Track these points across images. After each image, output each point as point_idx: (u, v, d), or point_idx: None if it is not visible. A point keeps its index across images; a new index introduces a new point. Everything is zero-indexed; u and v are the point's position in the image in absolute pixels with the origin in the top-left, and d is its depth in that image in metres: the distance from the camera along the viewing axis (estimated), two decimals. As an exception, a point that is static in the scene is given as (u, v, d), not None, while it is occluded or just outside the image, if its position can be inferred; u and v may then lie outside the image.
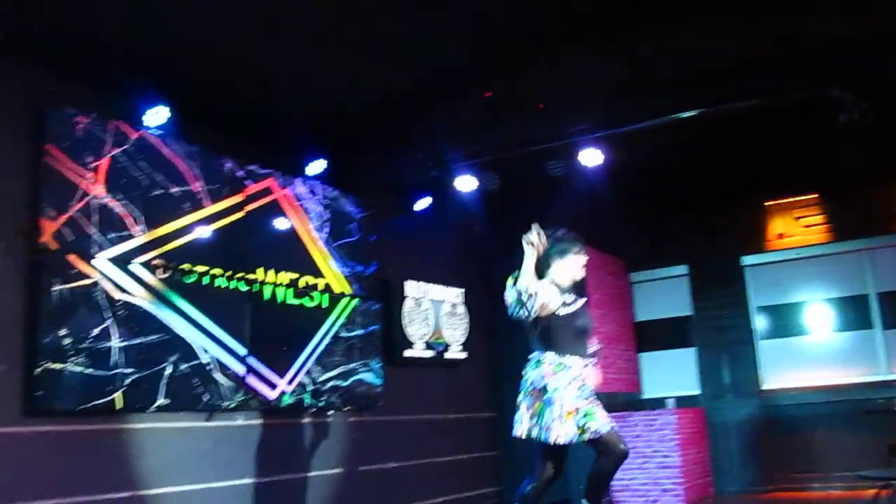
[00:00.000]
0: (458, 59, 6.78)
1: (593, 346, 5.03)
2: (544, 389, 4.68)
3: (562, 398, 4.61)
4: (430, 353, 8.68)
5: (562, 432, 4.59)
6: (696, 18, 6.50)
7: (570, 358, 4.73)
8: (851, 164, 7.34)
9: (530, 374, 4.80)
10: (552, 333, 4.76)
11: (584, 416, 4.61)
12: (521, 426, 4.80)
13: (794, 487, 9.07)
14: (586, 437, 4.60)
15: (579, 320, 4.83)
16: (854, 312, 9.36)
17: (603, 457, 4.72)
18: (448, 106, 7.34)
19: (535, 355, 4.84)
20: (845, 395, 8.96)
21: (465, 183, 7.97)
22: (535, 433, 4.70)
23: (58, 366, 5.18)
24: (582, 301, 4.95)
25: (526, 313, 4.66)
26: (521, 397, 4.85)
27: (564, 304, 4.79)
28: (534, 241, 4.71)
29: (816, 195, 9.58)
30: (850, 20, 6.37)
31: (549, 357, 4.74)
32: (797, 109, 7.48)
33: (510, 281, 4.76)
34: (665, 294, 10.36)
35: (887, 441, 7.89)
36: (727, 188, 9.53)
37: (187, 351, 6.03)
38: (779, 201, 9.74)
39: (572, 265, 5.07)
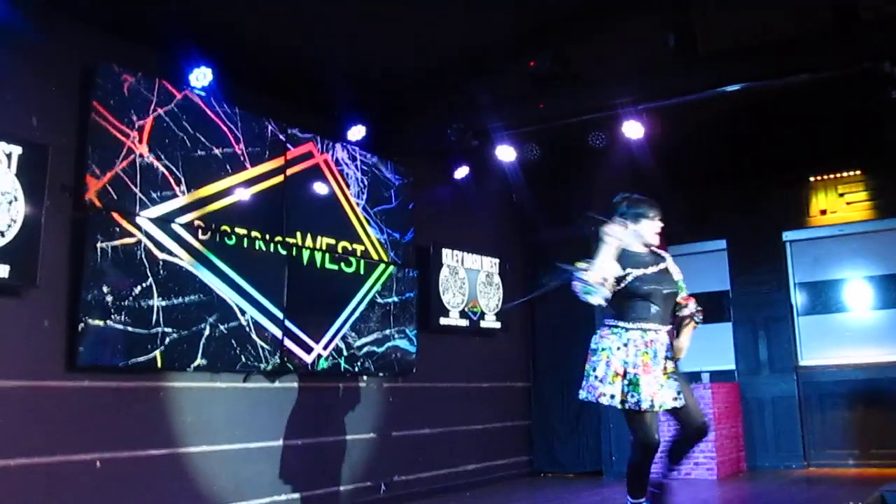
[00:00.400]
0: (504, 28, 6.74)
1: (683, 309, 4.90)
2: (594, 350, 4.66)
3: (609, 359, 4.56)
4: (465, 322, 8.70)
5: (606, 392, 4.52)
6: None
7: (631, 323, 4.62)
8: (897, 142, 7.23)
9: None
10: (615, 300, 4.63)
11: (629, 384, 4.51)
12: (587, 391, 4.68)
13: (828, 464, 9.01)
14: (624, 407, 4.52)
15: (647, 286, 4.66)
16: (895, 291, 9.22)
17: (634, 442, 4.65)
18: (491, 75, 7.30)
19: (605, 321, 4.79)
20: (884, 373, 8.85)
21: (505, 153, 7.93)
22: (582, 394, 4.69)
23: (100, 322, 5.25)
24: (658, 266, 4.83)
25: (597, 301, 4.53)
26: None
27: (630, 273, 4.65)
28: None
29: (860, 171, 9.41)
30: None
31: (610, 322, 4.71)
32: (845, 84, 7.35)
33: (580, 267, 4.63)
34: (703, 268, 10.24)
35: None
36: (770, 163, 9.38)
37: (226, 312, 6.09)
38: (823, 177, 9.58)
39: (647, 230, 4.96)
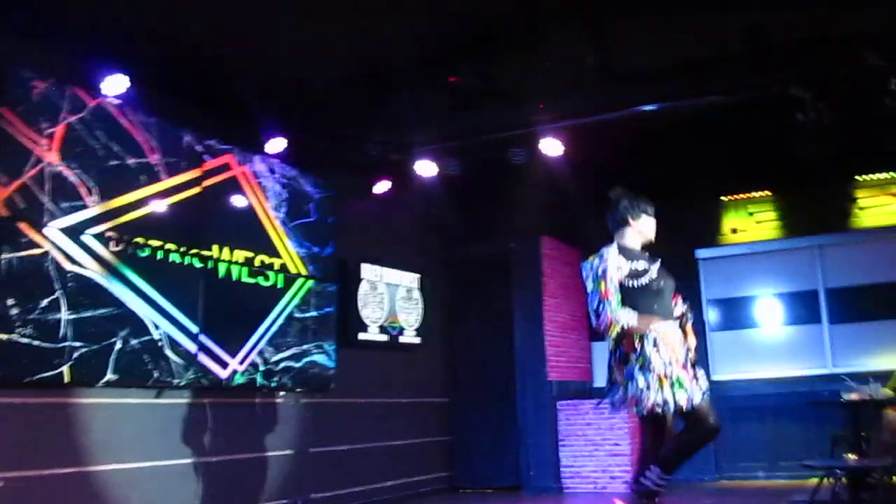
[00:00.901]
0: (426, 42, 6.76)
1: (677, 307, 4.76)
2: (625, 359, 4.45)
3: (648, 366, 4.35)
4: (384, 337, 8.65)
5: (658, 400, 4.30)
6: (667, 13, 6.55)
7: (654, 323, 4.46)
8: (805, 163, 7.45)
9: (615, 348, 4.56)
10: (629, 301, 4.48)
11: (672, 385, 4.32)
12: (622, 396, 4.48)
13: (739, 476, 9.23)
14: (678, 408, 4.33)
15: (657, 283, 4.59)
16: (803, 307, 9.53)
17: (692, 430, 4.46)
18: (413, 89, 7.30)
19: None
20: (792, 388, 9.13)
21: (426, 168, 7.94)
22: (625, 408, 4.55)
23: (4, 336, 5.04)
24: (655, 265, 4.70)
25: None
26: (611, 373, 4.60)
27: (633, 275, 4.57)
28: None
29: (770, 192, 9.73)
30: (814, 21, 6.47)
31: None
32: (756, 107, 7.59)
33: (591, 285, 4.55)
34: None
35: (831, 432, 8.07)
36: (684, 182, 9.61)
37: (138, 326, 5.92)
38: (734, 197, 9.87)
39: (645, 227, 4.92)
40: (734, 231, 9.89)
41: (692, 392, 4.32)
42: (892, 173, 9.22)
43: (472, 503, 8.61)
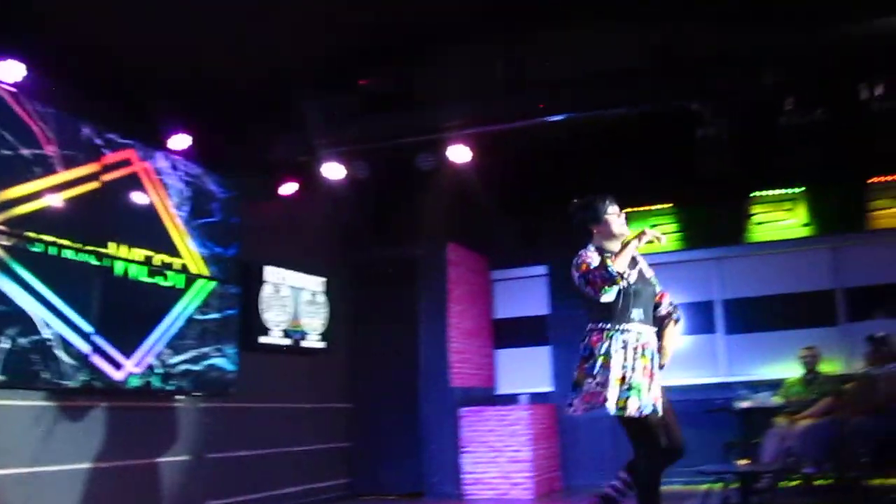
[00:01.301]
0: (337, 45, 6.72)
1: (660, 308, 4.71)
2: (590, 355, 4.34)
3: (609, 363, 4.27)
4: (287, 341, 8.51)
5: (610, 397, 4.22)
6: (576, 25, 6.68)
7: (626, 324, 4.38)
8: (705, 178, 7.68)
9: (582, 346, 4.45)
10: (613, 305, 4.35)
11: (629, 388, 4.25)
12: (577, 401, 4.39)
13: (637, 483, 9.39)
14: (624, 414, 4.24)
15: (635, 285, 4.44)
16: (700, 317, 9.81)
17: (641, 451, 4.40)
18: (323, 91, 7.25)
19: (589, 326, 4.49)
20: (689, 395, 9.31)
21: (334, 170, 7.87)
22: (576, 403, 4.38)
23: None
24: (634, 270, 4.48)
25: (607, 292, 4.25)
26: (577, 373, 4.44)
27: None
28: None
29: (672, 204, 9.98)
30: (716, 39, 6.68)
31: (600, 325, 4.42)
32: (660, 120, 7.79)
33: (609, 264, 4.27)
34: (524, 292, 10.56)
35: (725, 439, 8.33)
36: (590, 193, 9.74)
37: (28, 325, 5.65)
38: (637, 208, 10.08)
39: (615, 223, 4.66)
40: (636, 242, 10.09)
41: (645, 403, 4.25)
42: (785, 190, 9.59)
43: (373, 510, 8.55)
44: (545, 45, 6.87)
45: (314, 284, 9.05)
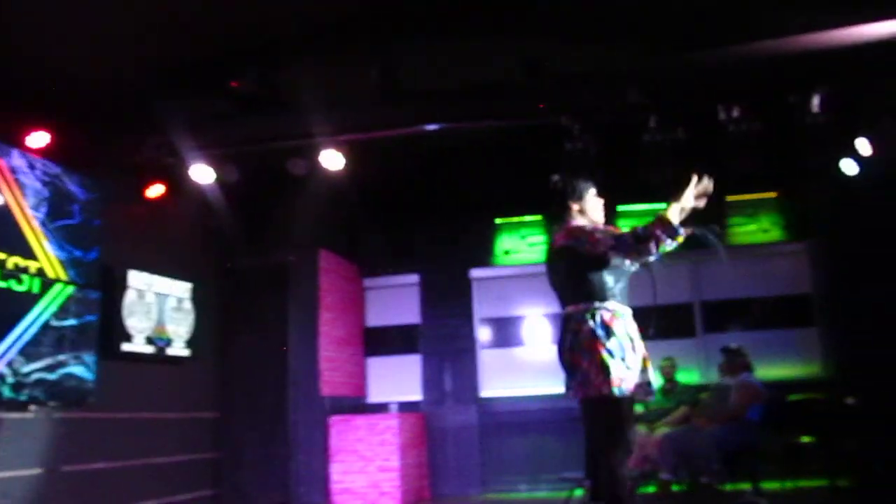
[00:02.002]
0: (207, 45, 6.57)
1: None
2: (608, 334, 4.06)
3: (633, 345, 4.10)
4: (151, 349, 8.24)
5: (643, 382, 4.07)
6: (450, 37, 6.74)
7: (620, 305, 4.22)
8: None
9: (583, 326, 4.12)
10: (595, 277, 4.17)
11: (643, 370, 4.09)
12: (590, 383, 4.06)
13: (503, 490, 9.57)
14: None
15: (623, 263, 4.28)
16: (566, 327, 10.05)
17: (612, 443, 4.07)
18: (192, 92, 7.07)
19: (583, 306, 4.18)
20: (555, 403, 9.56)
21: (203, 174, 7.69)
22: (604, 389, 4.00)
23: None
24: None
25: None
26: (573, 354, 4.16)
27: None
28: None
29: (541, 216, 10.20)
30: (585, 57, 6.88)
31: (600, 303, 4.16)
32: (531, 133, 7.96)
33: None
34: (396, 301, 10.59)
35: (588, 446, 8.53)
36: (462, 203, 9.91)
37: None
38: (508, 219, 10.27)
39: (591, 206, 4.50)
40: (507, 252, 10.28)
41: (627, 379, 4.05)
42: (649, 205, 9.95)
43: (237, 522, 8.36)
44: (420, 54, 6.90)
45: (180, 290, 8.79)
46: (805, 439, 8.37)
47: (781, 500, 7.63)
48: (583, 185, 4.52)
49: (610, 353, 4.01)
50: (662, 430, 7.71)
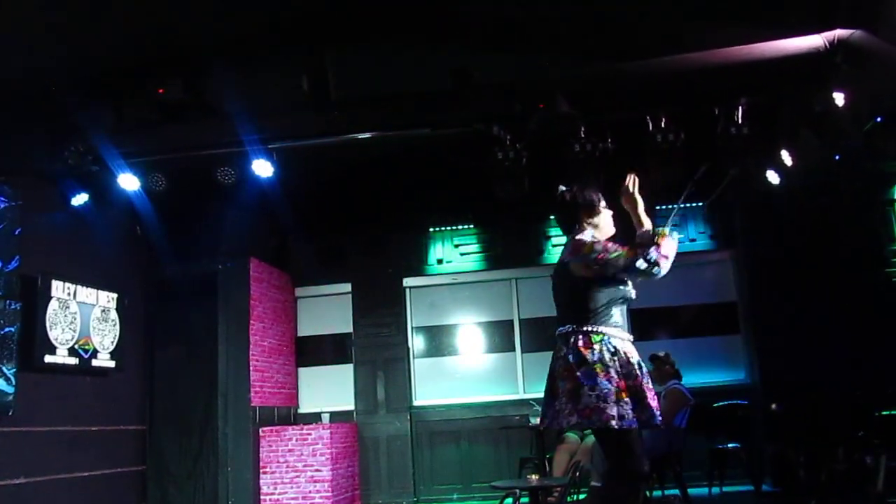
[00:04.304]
0: (133, 50, 6.44)
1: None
2: (581, 362, 3.81)
3: (609, 374, 3.79)
4: (74, 360, 8.02)
5: (615, 414, 3.69)
6: (380, 46, 6.73)
7: (614, 330, 3.93)
8: (504, 200, 7.93)
9: (562, 352, 3.92)
10: (591, 303, 3.92)
11: (632, 398, 3.79)
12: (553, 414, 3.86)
13: (436, 499, 9.57)
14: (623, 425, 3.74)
15: (628, 290, 4.05)
16: (500, 336, 10.13)
17: (614, 474, 3.89)
18: (116, 98, 6.94)
19: (567, 328, 3.96)
20: (487, 412, 9.64)
21: (128, 181, 7.54)
22: (574, 419, 3.75)
23: None
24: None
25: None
26: (553, 382, 3.94)
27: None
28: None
29: (474, 225, 10.25)
30: (516, 67, 6.94)
31: (589, 328, 3.90)
32: (462, 143, 7.98)
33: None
34: (328, 310, 10.52)
35: (520, 455, 8.62)
36: (394, 212, 9.91)
37: None
38: (441, 228, 10.28)
39: (606, 215, 4.21)
40: (440, 261, 10.30)
41: (650, 413, 3.81)
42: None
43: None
44: (350, 63, 6.88)
45: (105, 300, 8.58)
46: (730, 444, 8.56)
47: (708, 505, 7.79)
48: (595, 196, 4.19)
49: (580, 382, 3.77)
50: (592, 438, 7.78)
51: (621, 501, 3.82)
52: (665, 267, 3.84)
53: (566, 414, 3.77)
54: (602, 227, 4.16)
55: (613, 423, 3.67)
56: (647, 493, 7.45)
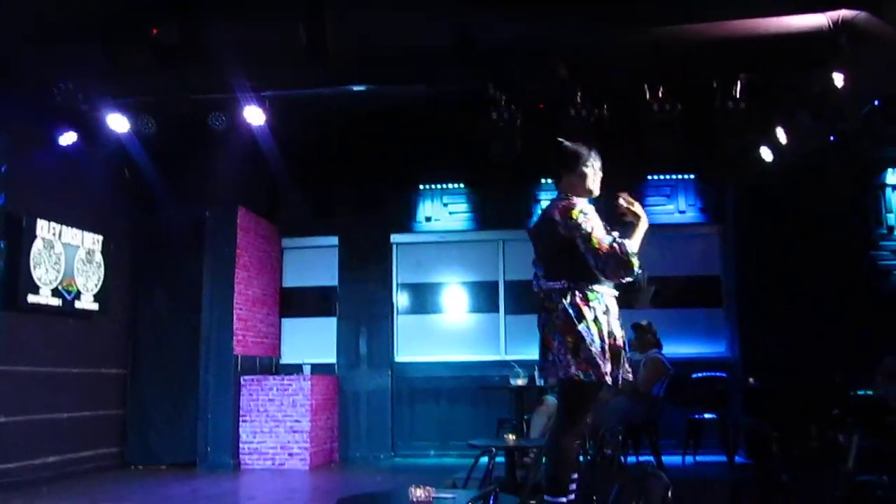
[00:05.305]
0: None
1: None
2: (580, 317, 3.86)
3: (602, 332, 3.87)
4: (57, 301, 7.99)
5: (608, 371, 3.81)
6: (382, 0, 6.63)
7: (606, 287, 3.99)
8: (496, 161, 7.90)
9: (558, 306, 3.92)
10: (578, 261, 3.92)
11: (613, 357, 3.88)
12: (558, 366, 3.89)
13: (413, 454, 9.66)
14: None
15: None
16: (484, 297, 10.17)
17: (566, 423, 3.96)
18: (110, 37, 6.79)
19: (563, 284, 3.95)
20: (468, 372, 9.69)
21: (118, 123, 7.46)
22: (573, 371, 3.81)
23: None
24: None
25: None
26: (545, 334, 3.97)
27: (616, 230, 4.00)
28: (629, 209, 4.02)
29: (465, 184, 10.22)
30: (515, 31, 6.85)
31: (581, 286, 3.93)
32: (458, 102, 7.93)
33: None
34: (314, 263, 10.50)
35: (499, 415, 8.70)
36: (386, 168, 9.85)
37: None
38: (431, 186, 10.25)
39: (590, 178, 4.15)
40: (428, 219, 10.28)
41: (623, 372, 3.95)
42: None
43: (143, 479, 8.21)
44: (349, 15, 6.78)
45: (91, 242, 8.53)
46: (706, 415, 8.67)
47: (682, 473, 7.89)
48: (583, 155, 4.15)
49: (581, 336, 3.83)
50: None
51: (571, 454, 3.92)
52: (609, 278, 3.89)
53: (564, 366, 3.84)
54: (581, 184, 4.13)
55: (608, 378, 3.79)
56: (622, 459, 7.56)
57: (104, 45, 6.69)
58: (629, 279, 3.91)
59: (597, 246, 3.84)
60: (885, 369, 7.46)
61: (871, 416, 7.19)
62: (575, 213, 3.93)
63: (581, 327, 3.84)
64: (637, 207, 4.05)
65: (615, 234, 3.94)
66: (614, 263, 3.81)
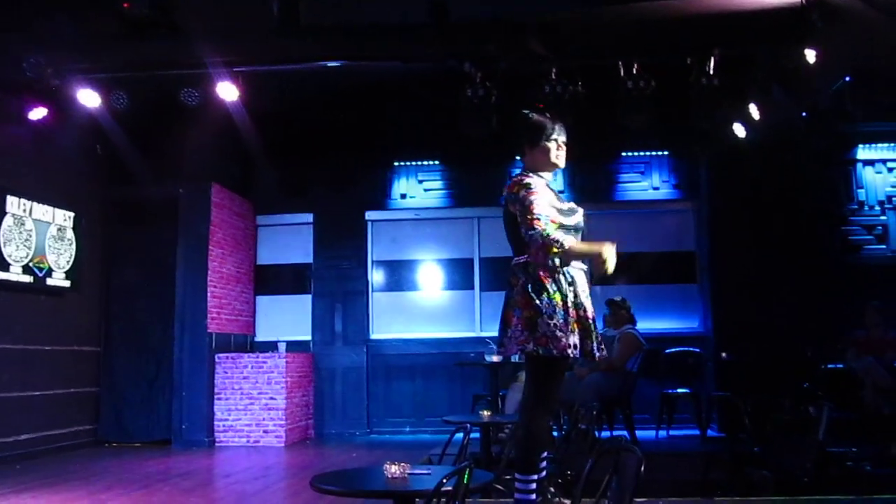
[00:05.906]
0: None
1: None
2: (541, 291, 3.77)
3: (566, 305, 3.78)
4: (28, 278, 7.91)
5: (571, 343, 3.72)
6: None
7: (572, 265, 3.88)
8: (471, 138, 7.88)
9: (519, 280, 3.84)
10: None
11: (583, 330, 3.81)
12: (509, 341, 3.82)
13: (388, 431, 9.70)
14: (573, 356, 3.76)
15: (581, 226, 4.00)
16: (460, 273, 10.18)
17: (534, 401, 3.88)
18: (80, 11, 6.70)
19: (522, 260, 3.85)
20: (443, 348, 9.71)
21: (89, 98, 7.37)
22: (530, 346, 3.72)
23: None
24: (579, 211, 4.00)
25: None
26: (506, 309, 3.89)
27: (564, 213, 3.89)
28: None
29: (439, 161, 10.20)
30: (490, 5, 6.82)
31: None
32: (432, 78, 7.90)
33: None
34: (289, 240, 10.47)
35: (474, 391, 8.74)
36: (360, 145, 9.82)
37: None
38: (406, 163, 10.22)
39: (552, 153, 4.04)
40: (403, 196, 10.26)
41: (596, 346, 3.86)
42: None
43: (117, 457, 8.18)
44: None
45: (62, 218, 8.45)
46: (680, 390, 8.76)
47: (655, 447, 7.98)
48: (546, 129, 4.03)
49: (539, 310, 3.74)
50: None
51: (541, 434, 3.85)
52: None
53: (521, 341, 3.76)
54: (545, 158, 4.04)
55: (570, 351, 3.70)
56: (596, 434, 7.62)
57: (74, 18, 6.61)
58: (548, 263, 3.72)
59: (529, 219, 3.73)
60: (857, 339, 7.62)
61: (841, 388, 7.31)
62: (518, 187, 3.86)
63: (541, 302, 3.75)
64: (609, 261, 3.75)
65: (563, 219, 3.84)
66: (536, 243, 3.67)
